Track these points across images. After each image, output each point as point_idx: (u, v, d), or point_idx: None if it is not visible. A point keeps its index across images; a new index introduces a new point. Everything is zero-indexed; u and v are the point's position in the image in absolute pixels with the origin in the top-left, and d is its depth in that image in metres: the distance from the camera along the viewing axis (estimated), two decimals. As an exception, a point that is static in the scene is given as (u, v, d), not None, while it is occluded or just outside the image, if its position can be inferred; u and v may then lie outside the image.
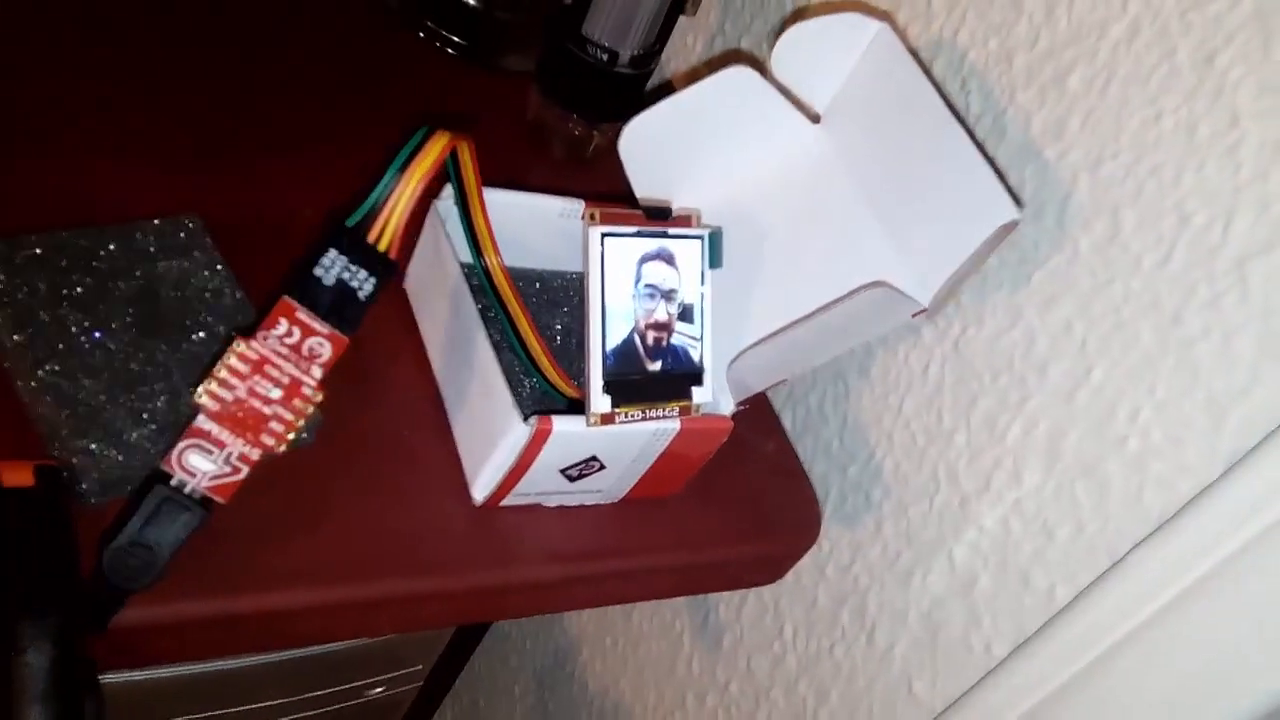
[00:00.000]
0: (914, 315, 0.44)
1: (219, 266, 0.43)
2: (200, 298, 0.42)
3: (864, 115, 0.47)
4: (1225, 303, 0.42)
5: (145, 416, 0.38)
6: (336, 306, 0.36)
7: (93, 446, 0.37)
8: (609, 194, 0.51)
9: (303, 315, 0.36)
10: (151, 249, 0.42)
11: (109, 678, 0.53)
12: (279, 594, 0.38)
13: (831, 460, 0.59)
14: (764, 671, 0.64)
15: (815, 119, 0.49)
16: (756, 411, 0.56)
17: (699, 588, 0.55)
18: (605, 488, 0.45)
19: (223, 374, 0.35)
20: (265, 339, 0.35)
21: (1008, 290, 0.50)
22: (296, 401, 0.36)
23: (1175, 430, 0.44)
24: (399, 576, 0.40)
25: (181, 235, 0.43)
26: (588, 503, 0.46)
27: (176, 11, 0.57)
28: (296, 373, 0.36)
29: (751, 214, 0.48)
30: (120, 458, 0.37)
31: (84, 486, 0.37)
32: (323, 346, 0.36)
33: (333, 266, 0.36)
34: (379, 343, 0.47)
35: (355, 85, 0.59)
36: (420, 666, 0.69)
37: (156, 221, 0.43)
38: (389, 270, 0.37)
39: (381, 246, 0.37)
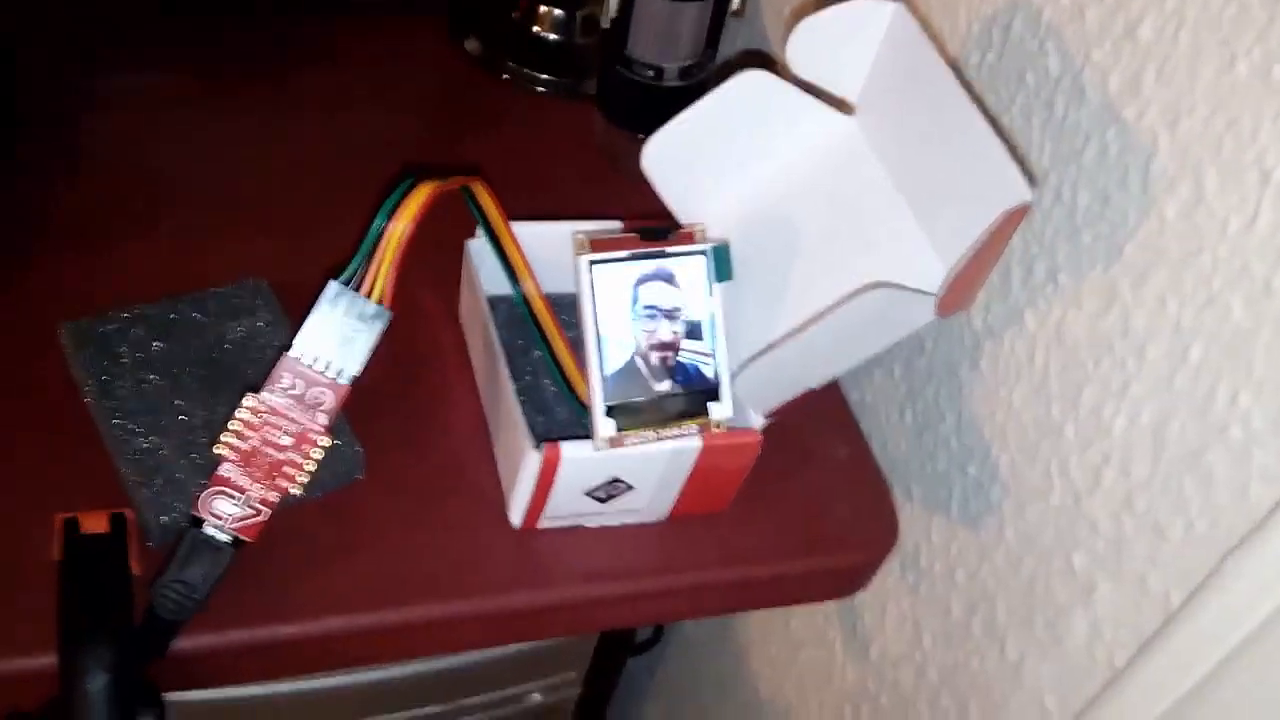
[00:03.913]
0: (938, 313, 0.41)
1: (283, 325, 0.48)
2: (262, 354, 0.46)
3: (892, 101, 0.45)
4: (1313, 266, 0.37)
5: (203, 467, 0.43)
6: (337, 357, 0.39)
7: (156, 496, 0.42)
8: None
9: (304, 368, 0.39)
10: (221, 312, 0.47)
11: (272, 687, 0.60)
12: (315, 621, 0.41)
13: (952, 458, 0.56)
14: (909, 683, 0.61)
15: (850, 110, 0.47)
16: (829, 417, 0.54)
17: (760, 602, 0.53)
18: (641, 507, 0.45)
19: (236, 426, 0.39)
20: (272, 392, 0.39)
21: (1102, 267, 0.46)
22: (305, 446, 0.39)
23: (1275, 413, 0.39)
24: (434, 600, 0.42)
25: (249, 297, 0.48)
26: (630, 522, 0.46)
27: (250, 78, 0.61)
28: (304, 420, 0.39)
29: (790, 214, 0.47)
30: (180, 505, 0.42)
31: (149, 531, 0.41)
32: (325, 395, 0.39)
33: (327, 321, 0.39)
34: (436, 375, 0.50)
35: (441, 135, 0.61)
36: (574, 673, 0.71)
37: (225, 288, 0.48)
38: (381, 319, 0.39)
39: (374, 297, 0.39)
